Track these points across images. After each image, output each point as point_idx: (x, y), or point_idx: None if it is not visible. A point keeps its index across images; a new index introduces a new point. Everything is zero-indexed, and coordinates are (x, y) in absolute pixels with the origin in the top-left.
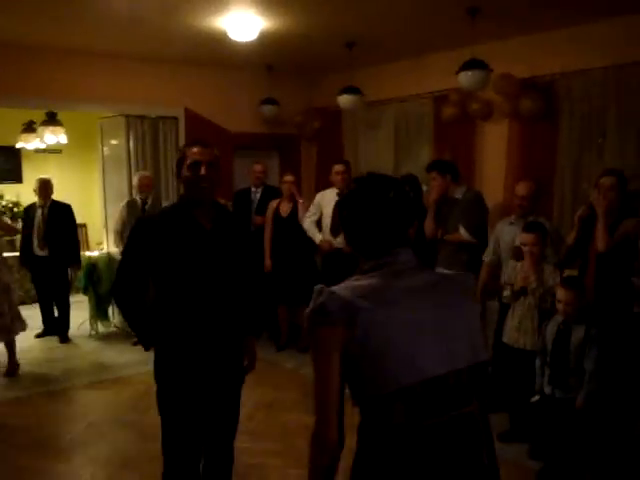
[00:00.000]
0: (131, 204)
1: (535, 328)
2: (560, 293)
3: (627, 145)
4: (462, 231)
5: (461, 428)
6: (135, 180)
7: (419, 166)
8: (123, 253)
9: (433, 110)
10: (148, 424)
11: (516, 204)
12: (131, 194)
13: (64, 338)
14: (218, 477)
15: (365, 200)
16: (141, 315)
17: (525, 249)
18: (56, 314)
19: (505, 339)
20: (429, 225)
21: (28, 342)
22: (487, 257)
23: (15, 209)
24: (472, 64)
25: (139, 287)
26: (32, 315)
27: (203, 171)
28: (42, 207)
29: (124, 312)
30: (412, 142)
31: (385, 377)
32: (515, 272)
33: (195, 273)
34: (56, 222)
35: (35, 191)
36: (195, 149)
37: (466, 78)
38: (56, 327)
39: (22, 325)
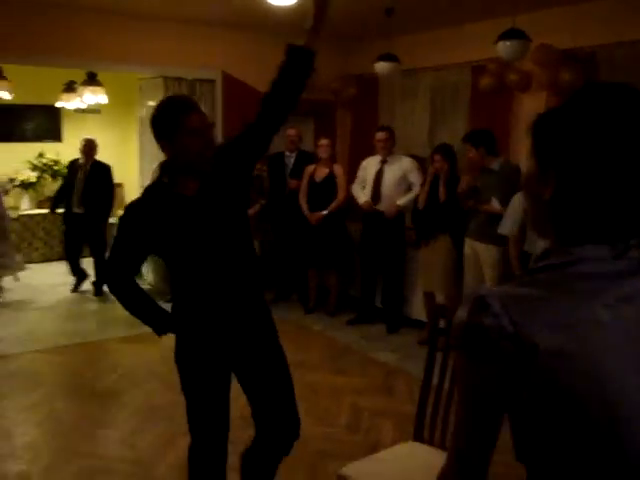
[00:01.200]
0: None
1: None
2: None
3: None
4: (494, 203)
5: None
6: None
7: (455, 136)
8: (114, 242)
9: (470, 80)
10: (176, 377)
11: None
12: None
13: (99, 291)
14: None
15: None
16: (139, 301)
17: None
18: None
19: None
20: (441, 191)
21: (64, 295)
22: (508, 229)
23: (55, 167)
24: (511, 34)
25: (130, 274)
26: (58, 271)
27: (210, 139)
28: (84, 165)
29: (121, 301)
30: (448, 111)
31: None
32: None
33: (197, 246)
34: (96, 181)
35: (80, 150)
36: (196, 114)
37: (504, 48)
38: (91, 280)
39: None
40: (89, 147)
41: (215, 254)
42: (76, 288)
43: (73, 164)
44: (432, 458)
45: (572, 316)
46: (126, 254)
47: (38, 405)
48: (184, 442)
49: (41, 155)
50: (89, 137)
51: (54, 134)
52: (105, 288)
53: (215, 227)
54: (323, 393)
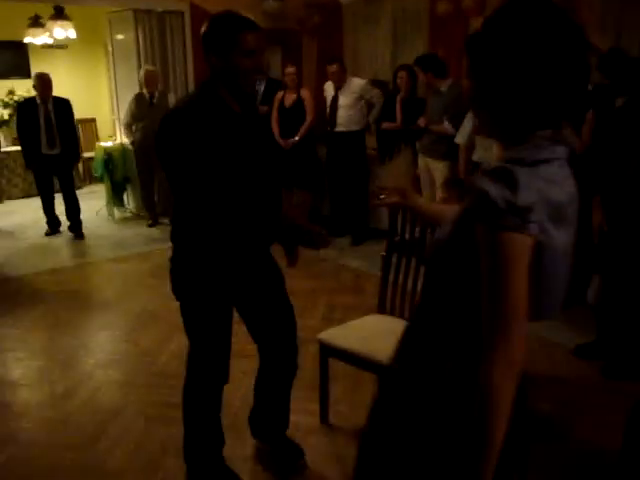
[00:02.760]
0: (139, 98)
1: None
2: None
3: None
4: (446, 124)
5: None
6: (141, 74)
7: None
8: (191, 172)
9: (429, 5)
10: (167, 289)
11: None
12: (141, 87)
13: (79, 234)
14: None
15: (554, 33)
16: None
17: None
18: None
19: None
20: (397, 109)
21: (40, 240)
22: (462, 139)
23: None
24: None
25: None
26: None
27: (263, 61)
28: (45, 103)
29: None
30: (409, 37)
31: (542, 306)
32: (491, 151)
33: (241, 165)
34: (62, 118)
35: (35, 87)
36: (253, 34)
37: None
38: (69, 224)
39: None
40: (45, 82)
41: (252, 177)
42: (51, 234)
43: (28, 103)
44: (391, 324)
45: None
46: (218, 177)
47: (45, 315)
48: (181, 337)
49: (12, 92)
50: (42, 72)
51: (22, 71)
52: (88, 220)
53: (259, 148)
54: (301, 295)
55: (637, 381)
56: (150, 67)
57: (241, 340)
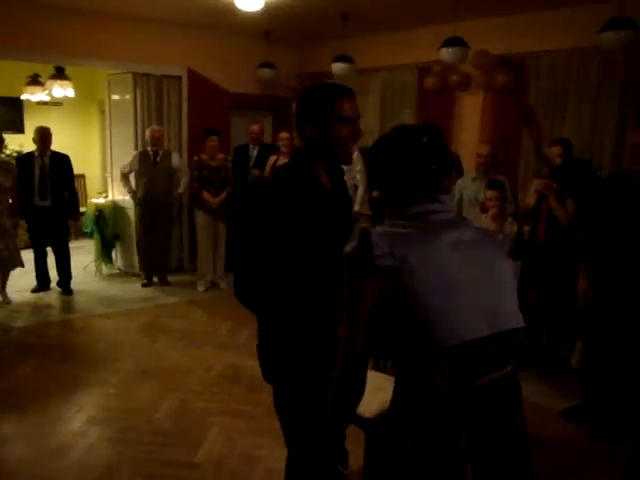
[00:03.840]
0: (143, 155)
1: None
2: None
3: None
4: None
5: (499, 390)
6: (147, 133)
7: None
8: (247, 240)
9: (417, 79)
10: (158, 346)
11: (478, 162)
12: (136, 146)
13: (67, 290)
14: None
15: (399, 144)
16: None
17: (490, 204)
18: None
19: None
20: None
21: (29, 294)
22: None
23: None
24: (453, 41)
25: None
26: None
27: (359, 129)
28: (42, 157)
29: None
30: (397, 108)
31: (435, 334)
32: (480, 223)
33: (325, 246)
34: (57, 172)
35: (34, 140)
36: (349, 102)
37: (447, 54)
38: (58, 279)
39: (20, 262)
40: (44, 136)
41: (332, 261)
42: (38, 291)
43: (27, 157)
44: (381, 381)
45: (427, 246)
46: (273, 255)
47: (37, 370)
48: (174, 395)
49: (5, 146)
50: (43, 126)
51: (16, 125)
52: (75, 276)
53: (342, 230)
54: None
55: (624, 443)
56: (157, 127)
57: None
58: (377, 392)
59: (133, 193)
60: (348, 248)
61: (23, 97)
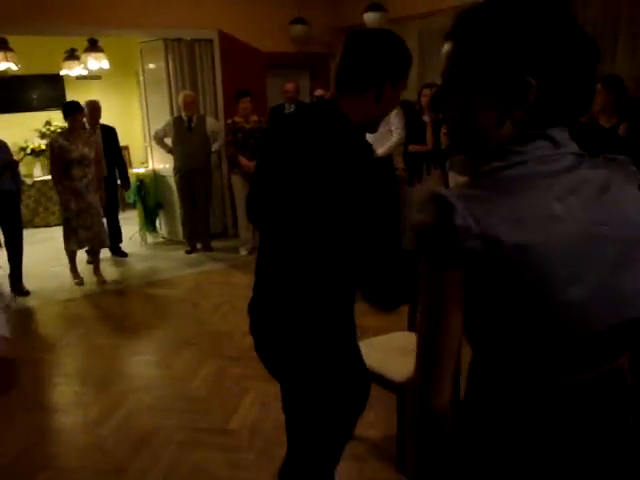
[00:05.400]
0: (177, 121)
1: None
2: None
3: None
4: None
5: (608, 386)
6: (180, 99)
7: None
8: (386, 221)
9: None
10: (200, 312)
11: None
12: (172, 114)
13: (118, 252)
14: None
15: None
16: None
17: None
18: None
19: None
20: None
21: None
22: None
23: None
24: None
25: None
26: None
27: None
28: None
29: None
30: (436, 60)
31: (544, 326)
32: None
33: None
34: (107, 144)
35: (84, 114)
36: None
37: None
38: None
39: (107, 242)
40: (94, 109)
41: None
42: (91, 262)
43: None
44: (414, 343)
45: (530, 211)
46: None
47: (81, 340)
48: (213, 362)
49: (49, 123)
50: (92, 99)
51: (59, 102)
52: (122, 246)
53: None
54: None
55: None
56: (189, 92)
57: None
58: (409, 354)
59: (170, 151)
60: (420, 222)
61: (62, 73)
